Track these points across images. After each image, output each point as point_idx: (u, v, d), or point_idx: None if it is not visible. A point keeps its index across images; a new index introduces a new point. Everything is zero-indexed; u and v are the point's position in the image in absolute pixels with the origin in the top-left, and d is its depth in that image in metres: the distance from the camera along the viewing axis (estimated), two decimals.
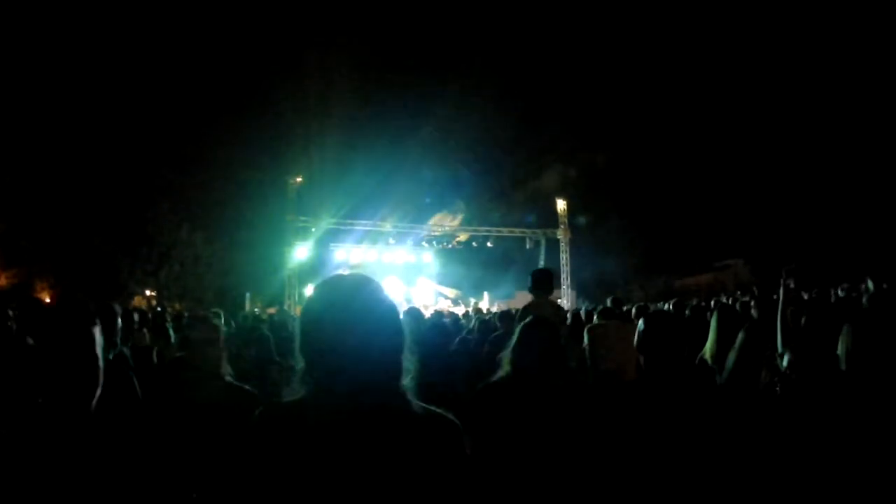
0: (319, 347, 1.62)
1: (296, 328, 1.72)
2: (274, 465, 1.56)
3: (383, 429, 1.56)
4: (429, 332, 5.96)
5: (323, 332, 1.63)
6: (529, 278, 6.25)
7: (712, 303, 11.52)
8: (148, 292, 29.58)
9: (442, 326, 7.58)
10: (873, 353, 2.46)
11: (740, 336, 3.50)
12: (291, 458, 1.54)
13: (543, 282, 6.25)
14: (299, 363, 1.66)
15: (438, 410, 1.68)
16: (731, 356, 3.46)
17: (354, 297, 1.67)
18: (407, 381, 1.66)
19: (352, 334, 1.59)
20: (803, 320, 3.11)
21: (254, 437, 1.61)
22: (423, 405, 1.67)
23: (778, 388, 2.73)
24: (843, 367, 2.56)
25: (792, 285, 3.25)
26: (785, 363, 2.78)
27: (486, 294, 26.68)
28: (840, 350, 2.60)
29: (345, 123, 30.48)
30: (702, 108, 32.45)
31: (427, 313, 10.61)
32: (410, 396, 1.65)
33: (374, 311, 1.66)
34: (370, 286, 1.71)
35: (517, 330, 3.31)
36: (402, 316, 1.74)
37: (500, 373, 3.21)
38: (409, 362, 1.68)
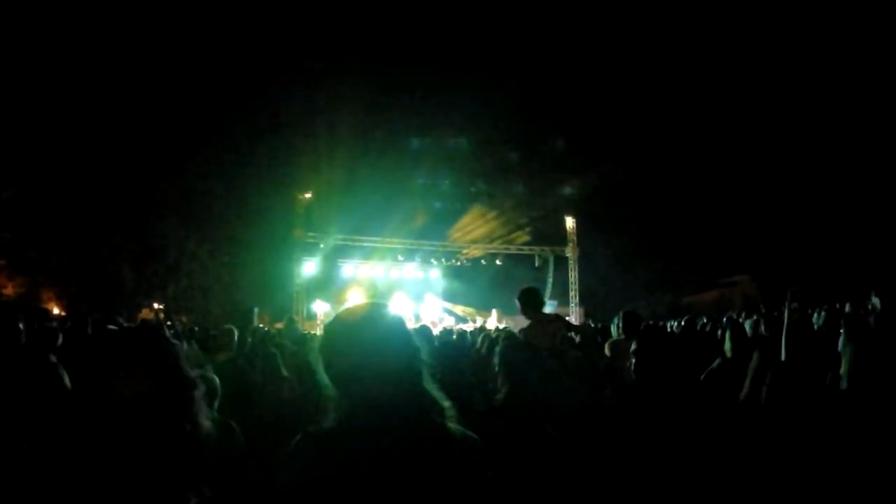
0: (342, 375, 1.69)
1: (314, 357, 1.77)
2: (314, 492, 1.60)
3: (413, 450, 1.60)
4: (439, 349, 5.96)
5: (344, 361, 1.69)
6: (517, 301, 5.82)
7: (724, 319, 11.49)
8: (155, 305, 29.66)
9: (452, 344, 7.59)
10: (876, 372, 2.46)
11: (755, 356, 3.50)
12: (330, 483, 1.58)
13: (532, 299, 5.87)
14: (327, 390, 1.72)
15: (466, 431, 1.73)
16: (749, 375, 3.46)
17: (371, 326, 1.74)
18: (431, 401, 1.72)
19: (372, 361, 1.66)
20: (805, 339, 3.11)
21: (294, 465, 1.66)
22: (450, 425, 1.71)
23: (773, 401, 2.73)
24: (845, 385, 2.57)
25: (796, 306, 3.27)
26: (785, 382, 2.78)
27: (494, 311, 26.65)
28: (843, 369, 2.61)
29: (353, 140, 30.62)
30: (708, 125, 32.50)
31: (436, 331, 10.63)
32: (436, 417, 1.70)
33: (391, 339, 1.72)
34: (386, 315, 1.79)
35: (498, 354, 3.31)
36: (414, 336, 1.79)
37: (500, 394, 3.21)
38: (429, 383, 1.75)
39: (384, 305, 1.85)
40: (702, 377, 3.97)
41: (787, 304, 3.29)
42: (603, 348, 6.51)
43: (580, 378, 4.41)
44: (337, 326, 1.79)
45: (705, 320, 12.03)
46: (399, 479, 1.56)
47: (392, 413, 1.62)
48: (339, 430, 1.65)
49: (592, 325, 10.72)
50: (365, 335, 1.71)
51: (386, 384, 1.65)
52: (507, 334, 8.65)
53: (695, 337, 7.14)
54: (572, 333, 6.59)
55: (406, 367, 1.70)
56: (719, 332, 6.71)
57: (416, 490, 1.56)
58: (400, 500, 1.55)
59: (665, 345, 2.99)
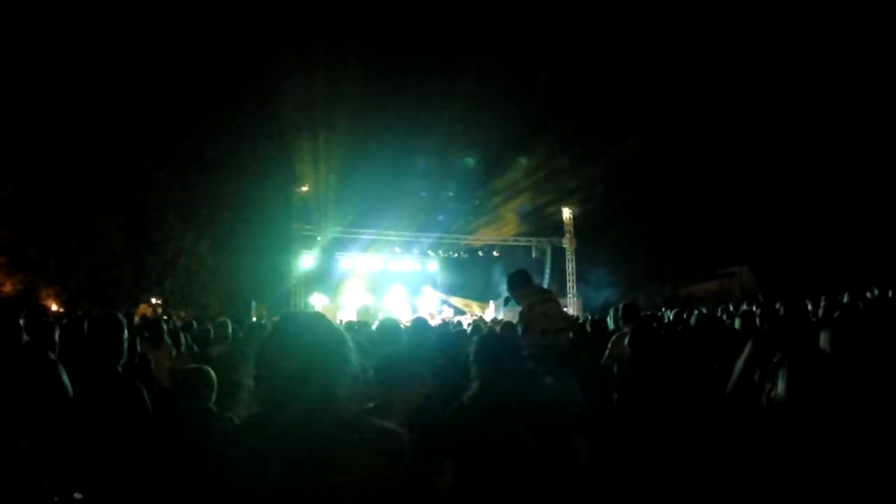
0: (270, 374, 1.86)
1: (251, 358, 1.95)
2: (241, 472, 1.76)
3: (329, 440, 1.77)
4: (436, 341, 5.92)
5: (273, 362, 1.87)
6: (508, 288, 5.66)
7: (719, 310, 11.50)
8: (153, 300, 29.65)
9: (449, 336, 7.56)
10: (866, 364, 2.46)
11: (747, 347, 3.49)
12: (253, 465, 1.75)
13: (523, 280, 5.70)
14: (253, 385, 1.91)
15: (386, 425, 1.93)
16: (738, 366, 3.45)
17: (304, 334, 1.93)
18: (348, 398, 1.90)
19: (292, 364, 1.84)
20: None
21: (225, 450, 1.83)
22: (368, 419, 1.94)
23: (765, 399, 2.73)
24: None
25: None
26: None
27: (491, 303, 26.70)
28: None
29: (351, 132, 30.55)
30: (706, 115, 32.45)
31: (433, 323, 10.63)
32: (353, 410, 1.92)
33: (317, 345, 1.91)
34: (323, 321, 2.02)
35: (473, 347, 3.24)
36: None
37: (470, 391, 3.10)
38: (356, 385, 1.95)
39: (323, 318, 2.07)
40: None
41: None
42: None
43: (585, 382, 4.37)
44: (278, 329, 1.99)
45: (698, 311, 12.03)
46: (317, 465, 1.73)
47: (307, 405, 1.79)
48: (269, 420, 1.81)
49: (590, 317, 10.71)
50: (306, 340, 1.90)
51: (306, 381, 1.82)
52: (503, 325, 8.62)
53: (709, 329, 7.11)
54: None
55: (328, 369, 1.87)
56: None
57: (332, 476, 1.73)
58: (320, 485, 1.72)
59: (659, 336, 3.00)
